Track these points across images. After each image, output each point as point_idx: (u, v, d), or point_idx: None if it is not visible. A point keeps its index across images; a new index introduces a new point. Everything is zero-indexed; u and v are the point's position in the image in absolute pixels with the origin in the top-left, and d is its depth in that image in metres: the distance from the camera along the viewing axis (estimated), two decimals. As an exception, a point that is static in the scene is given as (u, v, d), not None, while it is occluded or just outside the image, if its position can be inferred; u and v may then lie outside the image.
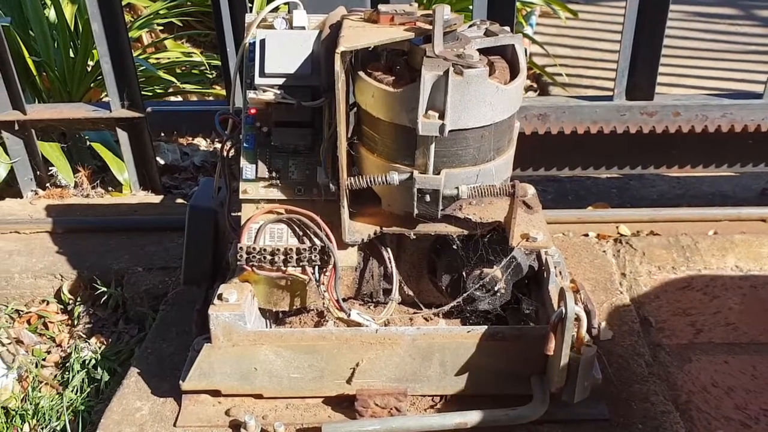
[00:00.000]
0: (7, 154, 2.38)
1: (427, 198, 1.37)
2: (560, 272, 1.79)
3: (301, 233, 1.45)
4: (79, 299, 2.00)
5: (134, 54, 3.32)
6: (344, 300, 1.50)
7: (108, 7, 2.16)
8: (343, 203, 1.38)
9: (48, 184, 2.46)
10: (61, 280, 2.03)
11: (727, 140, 1.97)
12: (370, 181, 1.36)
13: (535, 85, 3.54)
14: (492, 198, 1.43)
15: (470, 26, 1.45)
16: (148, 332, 1.79)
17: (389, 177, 1.35)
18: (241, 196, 1.45)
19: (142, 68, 2.96)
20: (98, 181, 2.49)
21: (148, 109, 2.15)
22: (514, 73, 1.39)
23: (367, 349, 1.41)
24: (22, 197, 2.43)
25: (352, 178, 1.36)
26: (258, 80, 1.42)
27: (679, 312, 1.81)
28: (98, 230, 2.18)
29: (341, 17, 1.39)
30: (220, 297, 1.42)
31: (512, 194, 1.38)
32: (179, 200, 2.37)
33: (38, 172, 2.44)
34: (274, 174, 1.44)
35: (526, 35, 3.43)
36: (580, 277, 1.90)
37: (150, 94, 3.01)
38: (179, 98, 3.15)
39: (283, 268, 1.42)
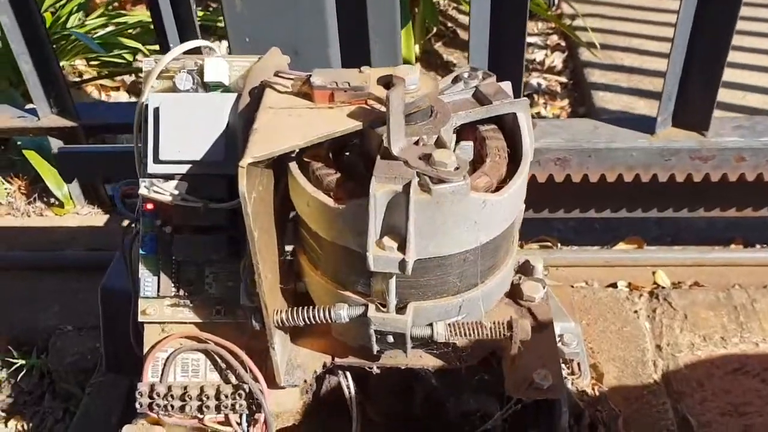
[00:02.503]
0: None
1: (390, 339, 0.98)
2: (578, 365, 1.42)
3: (224, 366, 1.08)
4: (1, 363, 1.68)
5: (92, 15, 2.91)
6: None
7: (19, -5, 1.72)
8: (272, 343, 1.00)
9: (-22, 200, 2.10)
10: (-19, 338, 1.71)
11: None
12: (308, 318, 0.97)
13: (563, 44, 3.04)
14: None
15: (454, 80, 1.01)
16: (69, 427, 1.47)
17: (334, 314, 0.96)
18: (140, 318, 1.08)
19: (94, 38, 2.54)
20: (36, 194, 2.11)
21: (54, 151, 1.74)
22: (515, 159, 0.96)
23: None
24: (-52, 215, 2.08)
25: (282, 315, 0.97)
26: (151, 168, 1.01)
27: (730, 410, 1.42)
28: (27, 267, 1.84)
29: (262, 83, 0.95)
30: (117, 453, 1.07)
31: (509, 337, 0.97)
32: (125, 222, 2.00)
33: (-35, 186, 2.08)
34: (182, 292, 1.06)
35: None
36: (605, 356, 1.52)
37: (122, 61, 2.66)
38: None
39: (199, 416, 1.06)
